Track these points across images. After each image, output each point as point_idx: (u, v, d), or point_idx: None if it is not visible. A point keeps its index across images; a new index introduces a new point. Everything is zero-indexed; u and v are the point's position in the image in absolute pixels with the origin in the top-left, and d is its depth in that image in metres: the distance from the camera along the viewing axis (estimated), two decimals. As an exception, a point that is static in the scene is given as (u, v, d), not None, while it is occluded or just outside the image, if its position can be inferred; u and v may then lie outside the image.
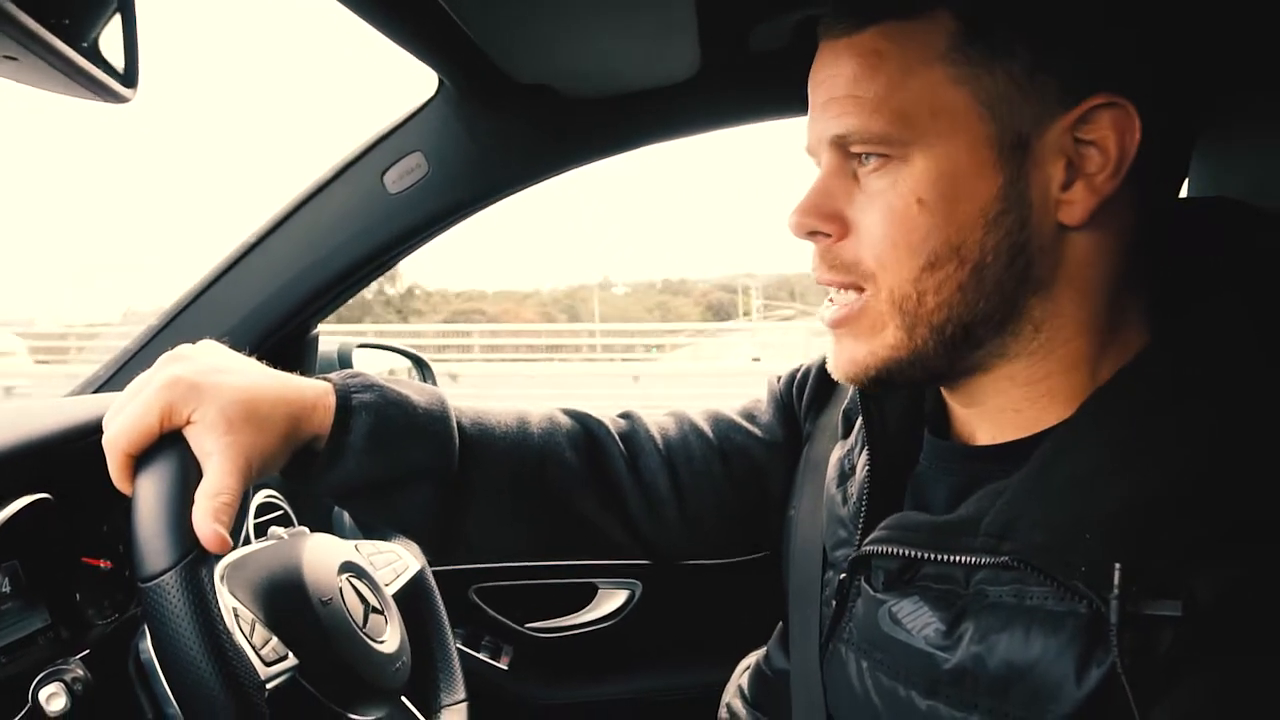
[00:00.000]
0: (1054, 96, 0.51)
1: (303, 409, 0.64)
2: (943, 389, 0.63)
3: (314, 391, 0.65)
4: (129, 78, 0.51)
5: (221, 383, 0.59)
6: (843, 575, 0.63)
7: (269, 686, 0.58)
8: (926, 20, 0.52)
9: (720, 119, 1.07)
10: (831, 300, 0.60)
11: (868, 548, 0.59)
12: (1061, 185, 0.52)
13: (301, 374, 0.67)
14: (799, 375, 0.85)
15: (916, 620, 0.54)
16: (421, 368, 1.52)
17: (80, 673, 0.64)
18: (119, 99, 0.51)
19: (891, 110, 0.53)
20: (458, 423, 0.73)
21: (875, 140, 0.54)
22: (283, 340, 1.07)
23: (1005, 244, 0.52)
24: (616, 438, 0.81)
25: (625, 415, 0.85)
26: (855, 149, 0.55)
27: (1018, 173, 0.52)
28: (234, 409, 0.59)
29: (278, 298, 1.04)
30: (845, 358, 0.59)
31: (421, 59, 0.93)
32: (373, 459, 0.66)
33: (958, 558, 0.52)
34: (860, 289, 0.57)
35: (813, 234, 0.58)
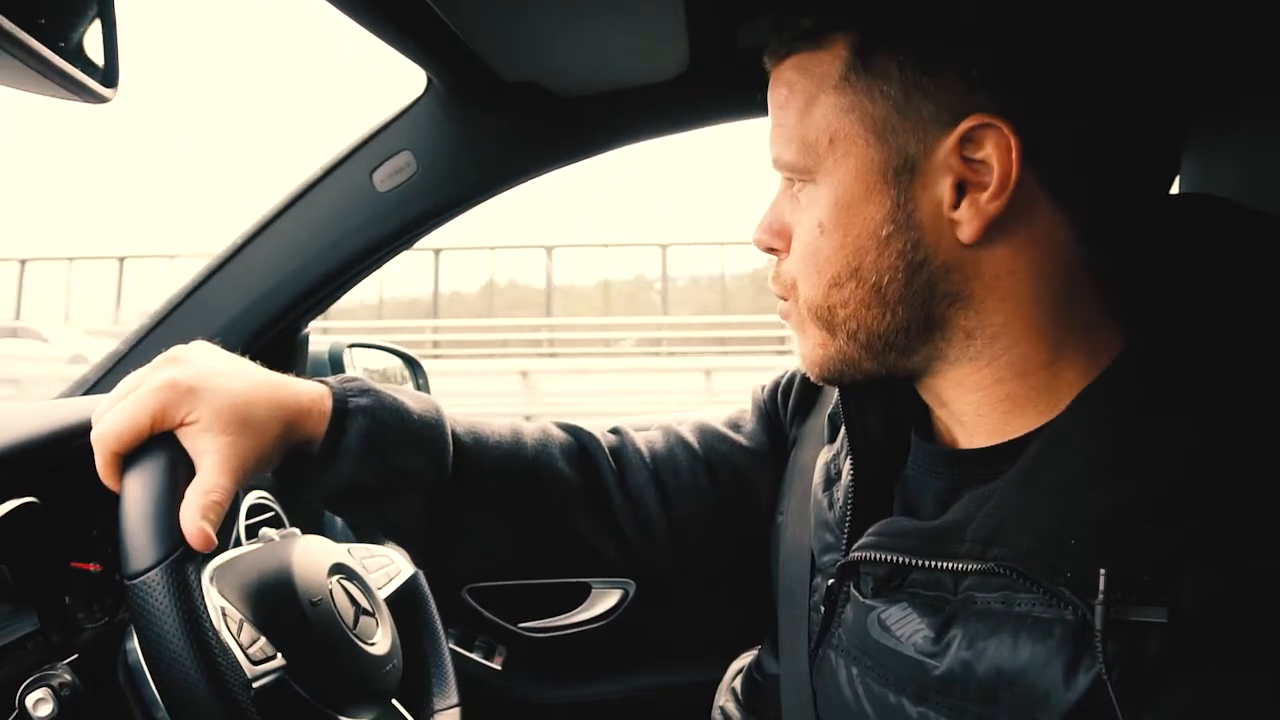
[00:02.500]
0: (931, 118, 0.52)
1: (298, 412, 0.64)
2: (918, 390, 0.62)
3: (310, 395, 0.65)
4: (109, 77, 0.50)
5: (218, 386, 0.59)
6: (831, 581, 0.62)
7: (255, 686, 0.58)
8: (827, 51, 0.55)
9: (709, 115, 1.07)
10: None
11: (856, 554, 0.59)
12: (951, 205, 0.52)
13: (293, 374, 0.67)
14: (783, 382, 0.86)
15: (905, 627, 0.54)
16: (413, 367, 1.51)
17: (68, 678, 0.63)
18: (99, 99, 0.50)
19: (800, 140, 0.56)
20: (452, 432, 0.72)
21: (790, 169, 0.58)
22: (273, 340, 1.07)
23: (901, 264, 0.54)
24: (607, 452, 0.81)
25: (614, 430, 0.85)
26: (783, 175, 0.60)
27: (905, 195, 0.53)
28: (230, 412, 0.59)
29: (268, 298, 1.04)
30: (798, 354, 0.64)
31: (410, 57, 0.92)
32: (366, 464, 0.66)
33: (945, 564, 0.51)
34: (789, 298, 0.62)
35: (770, 250, 0.62)
